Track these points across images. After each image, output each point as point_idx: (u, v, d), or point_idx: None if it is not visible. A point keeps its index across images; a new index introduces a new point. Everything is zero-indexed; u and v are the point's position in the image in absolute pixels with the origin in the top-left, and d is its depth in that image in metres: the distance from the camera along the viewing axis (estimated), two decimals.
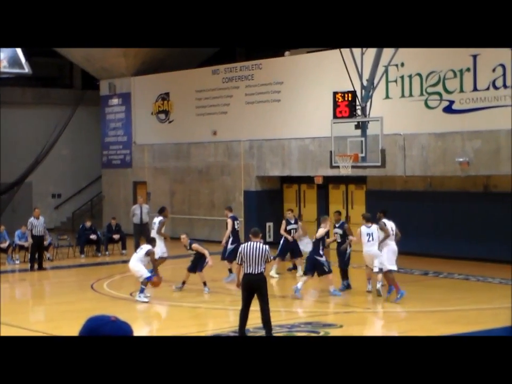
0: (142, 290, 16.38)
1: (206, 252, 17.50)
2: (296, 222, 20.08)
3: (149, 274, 16.48)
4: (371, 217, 17.16)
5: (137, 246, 24.60)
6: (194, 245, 17.59)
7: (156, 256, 19.39)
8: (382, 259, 16.33)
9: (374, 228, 16.78)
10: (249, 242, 13.01)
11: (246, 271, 12.74)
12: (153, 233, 19.85)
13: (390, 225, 16.75)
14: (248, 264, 12.65)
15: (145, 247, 16.96)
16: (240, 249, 13.04)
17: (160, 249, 19.38)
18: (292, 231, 19.92)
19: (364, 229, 16.82)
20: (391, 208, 23.46)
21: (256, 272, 12.63)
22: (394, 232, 16.68)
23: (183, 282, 17.61)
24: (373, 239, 16.62)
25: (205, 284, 17.25)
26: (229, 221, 19.54)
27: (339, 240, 17.49)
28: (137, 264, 16.64)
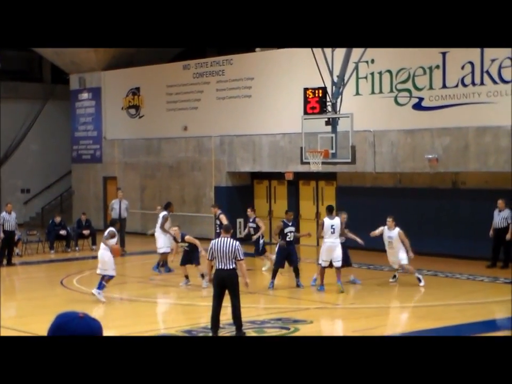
0: (100, 286, 16.04)
1: (197, 243, 17.54)
2: (253, 221, 20.14)
3: (113, 274, 16.23)
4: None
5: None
6: (188, 237, 17.66)
7: (160, 251, 19.44)
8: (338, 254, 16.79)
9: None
10: (220, 238, 13.04)
11: (217, 267, 12.76)
12: (157, 228, 19.98)
13: (332, 222, 16.92)
14: (220, 260, 12.67)
15: (107, 230, 16.73)
16: (210, 245, 13.00)
17: (163, 243, 19.60)
18: (250, 229, 20.05)
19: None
20: (360, 205, 23.63)
21: (227, 268, 12.64)
22: (335, 230, 16.90)
23: (187, 277, 17.63)
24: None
25: (202, 276, 17.17)
26: (223, 216, 19.50)
27: (292, 239, 17.55)
28: (105, 253, 16.35)
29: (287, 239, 17.36)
